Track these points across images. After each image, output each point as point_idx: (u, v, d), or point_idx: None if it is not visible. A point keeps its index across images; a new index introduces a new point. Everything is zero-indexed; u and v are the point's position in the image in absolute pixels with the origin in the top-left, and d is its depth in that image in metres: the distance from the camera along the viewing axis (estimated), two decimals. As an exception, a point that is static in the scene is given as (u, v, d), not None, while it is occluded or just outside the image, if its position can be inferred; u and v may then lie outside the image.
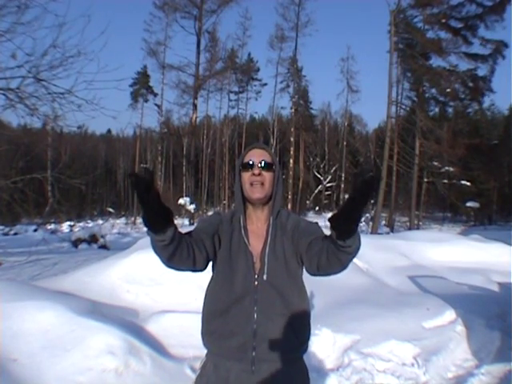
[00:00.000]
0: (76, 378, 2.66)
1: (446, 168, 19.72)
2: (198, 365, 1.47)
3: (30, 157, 9.39)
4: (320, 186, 35.61)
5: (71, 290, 4.25)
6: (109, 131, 51.39)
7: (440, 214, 30.89)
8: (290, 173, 25.67)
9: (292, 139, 25.71)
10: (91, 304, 3.75)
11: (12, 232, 17.52)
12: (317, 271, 1.29)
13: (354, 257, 1.18)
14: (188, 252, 1.26)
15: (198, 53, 19.47)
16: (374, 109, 63.78)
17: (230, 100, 34.69)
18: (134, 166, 32.32)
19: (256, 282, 1.38)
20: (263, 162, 1.43)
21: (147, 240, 1.21)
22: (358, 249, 1.16)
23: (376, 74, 64.97)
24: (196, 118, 20.43)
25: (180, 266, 1.28)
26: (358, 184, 0.99)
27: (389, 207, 21.39)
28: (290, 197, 25.48)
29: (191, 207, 17.33)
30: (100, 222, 24.90)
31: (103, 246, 11.59)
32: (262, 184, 1.42)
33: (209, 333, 1.42)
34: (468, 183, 21.69)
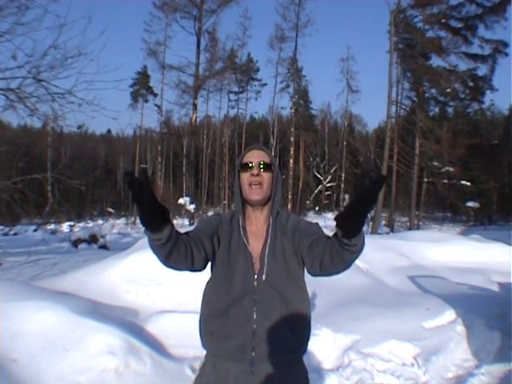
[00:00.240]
0: (76, 378, 2.66)
1: (446, 168, 19.72)
2: (197, 365, 1.48)
3: (30, 157, 9.40)
4: (320, 186, 35.60)
5: (71, 290, 4.25)
6: (109, 131, 51.43)
7: (440, 214, 30.88)
8: (290, 173, 25.67)
9: (292, 139, 25.71)
10: (91, 304, 3.75)
11: (12, 232, 17.51)
12: (319, 271, 1.29)
13: (357, 256, 1.18)
14: (186, 251, 1.26)
15: (198, 53, 19.46)
16: (373, 109, 63.87)
17: (229, 100, 34.73)
18: (134, 167, 32.29)
19: (255, 283, 1.38)
20: (262, 163, 1.44)
21: (147, 240, 1.22)
22: (362, 248, 1.16)
23: (376, 74, 65.03)
24: (196, 118, 20.42)
25: (178, 265, 1.28)
26: (367, 183, 0.99)
27: (389, 207, 21.39)
28: (289, 197, 25.47)
29: (191, 207, 17.33)
30: (100, 222, 24.90)
31: (103, 246, 11.59)
32: (261, 185, 1.43)
33: (208, 333, 1.41)
34: (468, 183, 21.68)
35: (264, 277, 1.38)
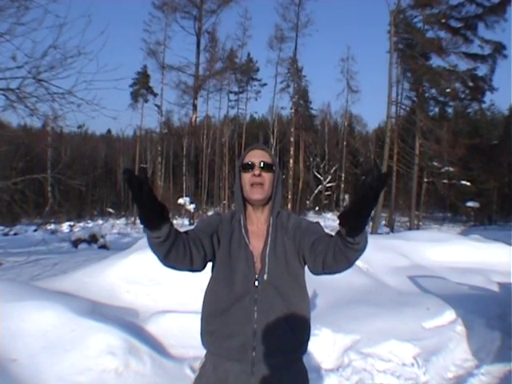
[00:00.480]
0: (76, 378, 2.66)
1: (446, 168, 19.74)
2: (197, 365, 1.47)
3: (29, 157, 9.41)
4: (320, 186, 35.60)
5: (71, 290, 4.25)
6: (109, 131, 51.40)
7: (440, 214, 30.87)
8: (290, 173, 25.67)
9: (292, 139, 25.71)
10: (91, 304, 3.75)
11: (12, 232, 17.50)
12: (322, 270, 1.29)
13: (361, 254, 1.18)
14: (185, 250, 1.26)
15: (198, 53, 19.49)
16: (373, 109, 63.85)
17: (229, 100, 34.72)
18: (133, 167, 32.26)
19: (256, 282, 1.37)
20: (263, 163, 1.44)
21: (146, 239, 1.22)
22: (365, 246, 1.16)
23: (376, 74, 65.00)
24: (196, 118, 20.45)
25: (177, 264, 1.28)
26: (370, 181, 0.99)
27: (389, 207, 21.39)
28: (289, 197, 25.48)
29: (191, 207, 17.34)
30: (100, 222, 24.87)
31: (103, 246, 11.58)
32: (262, 185, 1.42)
33: (208, 333, 1.41)
34: (468, 183, 21.71)
35: (265, 276, 1.37)
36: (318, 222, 1.50)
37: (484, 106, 26.19)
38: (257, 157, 1.45)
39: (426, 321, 4.12)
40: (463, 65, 18.10)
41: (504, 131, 28.50)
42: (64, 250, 9.98)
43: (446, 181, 20.77)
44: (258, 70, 35.18)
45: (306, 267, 1.41)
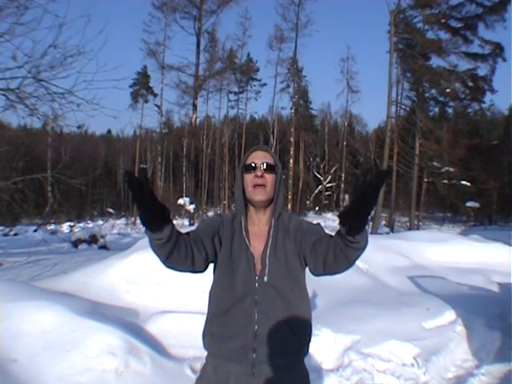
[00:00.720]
0: (76, 378, 2.66)
1: (446, 168, 19.74)
2: (198, 365, 1.48)
3: (29, 157, 9.40)
4: (320, 187, 35.59)
5: (71, 290, 4.25)
6: (109, 131, 51.43)
7: (440, 214, 30.87)
8: (290, 173, 25.67)
9: (292, 139, 25.71)
10: (91, 304, 3.75)
11: (12, 232, 17.51)
12: (323, 271, 1.28)
13: (361, 253, 1.17)
14: (186, 251, 1.25)
15: (198, 53, 19.48)
16: (374, 109, 63.85)
17: (229, 100, 34.74)
18: (133, 167, 32.28)
19: (257, 284, 1.37)
20: (265, 164, 1.43)
21: (147, 240, 1.22)
22: (365, 245, 1.16)
23: (376, 74, 64.98)
24: (196, 118, 20.44)
25: (179, 265, 1.28)
26: (369, 178, 0.99)
27: (389, 207, 21.40)
28: (290, 197, 25.48)
29: (191, 207, 17.34)
30: (100, 222, 24.86)
31: (103, 247, 11.58)
32: (265, 186, 1.42)
33: (209, 334, 1.41)
34: (468, 183, 21.71)
35: (266, 278, 1.37)
36: (318, 224, 1.49)
37: (484, 106, 26.21)
38: (259, 158, 1.45)
39: (426, 321, 4.11)
40: (463, 65, 18.14)
41: (504, 131, 28.50)
42: (64, 251, 9.98)
43: (446, 181, 20.78)
44: (257, 70, 35.22)
45: (307, 269, 1.41)
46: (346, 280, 4.97)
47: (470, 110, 25.36)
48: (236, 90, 34.60)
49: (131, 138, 44.17)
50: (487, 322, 4.12)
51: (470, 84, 18.37)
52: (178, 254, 1.23)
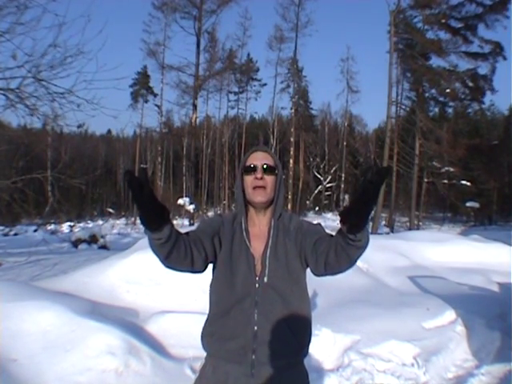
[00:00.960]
0: (76, 378, 2.66)
1: (446, 168, 19.74)
2: (197, 365, 1.48)
3: (29, 157, 9.41)
4: (320, 187, 35.60)
5: (71, 290, 4.25)
6: (109, 131, 51.43)
7: (440, 214, 30.87)
8: (290, 173, 25.66)
9: (292, 139, 25.70)
10: (91, 304, 3.75)
11: (12, 232, 17.51)
12: (324, 270, 1.28)
13: (363, 252, 1.17)
14: (186, 252, 1.25)
15: (198, 53, 19.50)
16: (374, 109, 63.90)
17: (229, 100, 34.75)
18: (134, 167, 32.27)
19: (257, 285, 1.37)
20: (266, 166, 1.43)
21: (147, 240, 1.22)
22: (367, 243, 1.15)
23: (376, 74, 65.02)
24: (196, 118, 20.46)
25: (178, 266, 1.27)
26: (370, 176, 0.98)
27: (389, 207, 21.40)
28: (289, 197, 25.48)
29: (191, 207, 17.34)
30: (100, 222, 24.87)
31: (103, 247, 11.58)
32: (265, 188, 1.41)
33: (209, 334, 1.41)
34: (468, 183, 21.70)
35: (266, 279, 1.37)
36: (319, 223, 1.49)
37: (484, 106, 26.21)
38: (259, 159, 1.44)
39: (426, 321, 4.11)
40: (463, 65, 18.14)
41: (504, 131, 28.48)
42: (64, 251, 9.98)
43: (446, 181, 20.78)
44: (257, 70, 35.23)
45: (308, 269, 1.40)
46: (346, 280, 4.97)
47: (470, 110, 25.41)
48: (236, 90, 34.65)
49: (131, 137, 44.20)
50: (487, 322, 4.12)
51: (470, 84, 18.37)
52: (178, 254, 1.23)
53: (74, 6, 5.81)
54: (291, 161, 25.74)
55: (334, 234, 1.26)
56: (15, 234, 17.08)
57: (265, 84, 34.70)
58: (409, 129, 20.16)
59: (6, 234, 17.18)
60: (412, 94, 22.56)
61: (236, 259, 1.40)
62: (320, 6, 63.40)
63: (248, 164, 1.44)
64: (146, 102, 34.24)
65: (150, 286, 4.41)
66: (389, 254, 7.04)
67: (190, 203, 17.38)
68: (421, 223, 23.33)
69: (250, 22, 36.82)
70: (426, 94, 21.10)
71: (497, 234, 12.27)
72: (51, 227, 15.53)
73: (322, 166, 35.68)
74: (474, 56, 17.58)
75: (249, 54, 34.50)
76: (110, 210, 32.47)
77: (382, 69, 55.71)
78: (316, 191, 35.35)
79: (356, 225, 1.08)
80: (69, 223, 18.06)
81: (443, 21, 17.48)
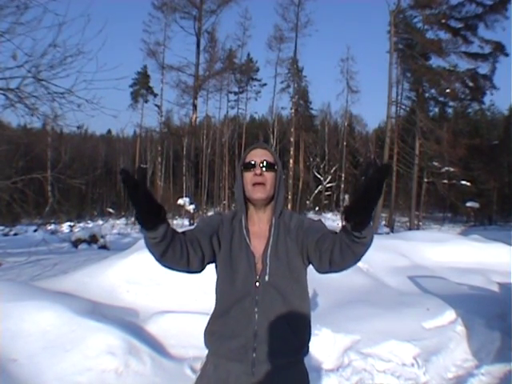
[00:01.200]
0: (76, 378, 2.66)
1: (446, 168, 19.75)
2: (198, 365, 1.48)
3: (29, 157, 9.39)
4: (320, 187, 35.60)
5: (71, 290, 4.25)
6: (109, 131, 51.45)
7: (440, 215, 30.88)
8: (290, 173, 25.66)
9: (292, 139, 25.69)
10: (91, 304, 3.75)
11: (12, 232, 17.52)
12: (328, 268, 1.27)
13: (368, 248, 1.17)
14: (181, 251, 1.25)
15: (198, 53, 19.49)
16: (374, 109, 63.85)
17: (229, 100, 34.73)
18: (134, 167, 32.26)
19: (257, 283, 1.36)
20: (265, 162, 1.42)
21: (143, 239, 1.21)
22: (371, 240, 1.15)
23: (376, 74, 65.01)
24: (196, 118, 20.45)
25: (174, 265, 1.27)
26: (372, 172, 0.99)
27: (389, 207, 21.39)
28: (290, 197, 25.47)
29: (191, 207, 17.34)
30: (100, 222, 24.88)
31: (103, 247, 11.58)
32: (264, 184, 1.41)
33: (210, 333, 1.41)
34: (468, 183, 21.71)
35: (267, 277, 1.36)
36: (320, 220, 1.48)
37: (484, 106, 26.23)
38: (258, 156, 1.44)
39: (426, 321, 4.11)
40: (463, 65, 18.15)
41: (504, 131, 28.50)
42: (64, 251, 9.98)
43: (446, 181, 20.78)
44: (257, 70, 35.23)
45: (311, 267, 1.39)
46: (345, 280, 4.97)
47: (470, 110, 25.40)
48: (236, 90, 34.62)
49: (131, 137, 44.21)
50: (487, 322, 4.12)
51: (470, 84, 18.38)
52: (173, 254, 1.23)
53: (74, 5, 5.80)
54: (291, 161, 25.73)
55: (336, 230, 1.26)
56: (15, 234, 17.09)
57: (265, 84, 34.76)
58: (409, 129, 20.17)
59: (6, 234, 17.19)
60: (412, 94, 22.58)
61: (236, 258, 1.40)
62: (320, 5, 63.31)
63: (247, 161, 1.44)
64: (146, 101, 34.30)
65: (150, 286, 4.40)
66: (389, 254, 7.04)
67: (190, 203, 17.38)
68: (421, 223, 23.33)
69: (250, 21, 36.77)
70: (426, 94, 21.11)
71: (497, 234, 12.27)
72: (51, 227, 15.52)
73: (322, 166, 35.67)
74: (474, 56, 17.58)
75: (249, 54, 34.54)
76: (110, 210, 32.46)
77: (382, 69, 55.79)
78: (316, 191, 35.35)
79: (361, 222, 1.07)
80: (69, 223, 18.07)
81: (443, 21, 17.49)
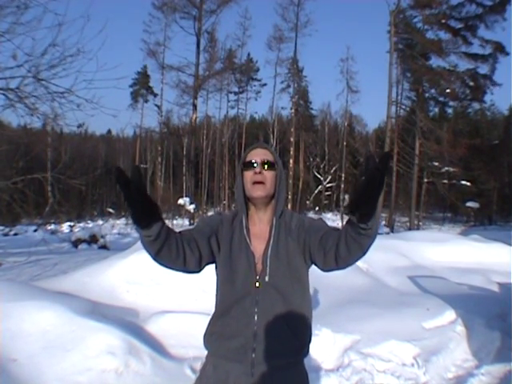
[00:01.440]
0: (76, 378, 2.66)
1: (446, 168, 19.75)
2: (197, 365, 1.48)
3: (29, 157, 9.40)
4: (320, 187, 35.60)
5: (71, 290, 4.25)
6: (109, 131, 51.43)
7: (440, 215, 30.87)
8: (290, 173, 25.64)
9: (292, 139, 25.67)
10: (91, 304, 3.75)
11: (12, 232, 17.54)
12: (335, 265, 1.26)
13: (374, 240, 1.16)
14: (177, 251, 1.24)
15: (198, 53, 19.48)
16: (374, 109, 63.83)
17: (229, 100, 34.71)
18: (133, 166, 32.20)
19: (257, 284, 1.36)
20: (265, 161, 1.42)
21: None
22: (377, 231, 1.15)
23: (376, 74, 65.01)
24: (196, 118, 20.44)
25: (170, 264, 1.27)
26: (373, 163, 0.99)
27: (389, 207, 21.37)
28: (290, 197, 25.46)
29: (191, 207, 17.33)
30: (100, 222, 24.87)
31: (103, 247, 11.59)
32: (264, 184, 1.41)
33: (210, 333, 1.41)
34: (468, 183, 21.71)
35: (267, 278, 1.36)
36: (320, 219, 1.48)
37: (484, 106, 26.23)
38: (258, 155, 1.44)
39: (426, 321, 4.11)
40: (463, 65, 18.16)
41: (504, 131, 28.48)
42: (64, 251, 9.98)
43: (446, 181, 20.78)
44: (257, 70, 35.20)
45: (314, 266, 1.39)
46: (346, 280, 4.98)
47: (470, 109, 25.40)
48: (236, 89, 34.59)
49: (131, 137, 44.20)
50: (487, 322, 4.12)
51: (471, 84, 18.39)
52: (169, 253, 1.22)
53: (74, 5, 5.80)
54: (291, 161, 25.71)
55: (338, 227, 1.25)
56: (15, 234, 17.11)
57: (265, 84, 34.72)
58: (409, 129, 20.17)
59: (6, 234, 17.20)
60: (412, 94, 22.57)
61: (236, 258, 1.39)
62: (320, 5, 63.17)
63: (247, 160, 1.44)
64: (146, 101, 34.31)
65: (150, 286, 4.40)
66: (389, 254, 7.04)
67: (190, 203, 17.37)
68: (421, 223, 23.33)
69: (250, 21, 36.69)
70: (426, 94, 21.12)
71: (497, 234, 12.28)
72: (51, 227, 15.54)
73: (322, 166, 35.67)
74: (474, 57, 17.59)
75: (249, 54, 34.52)
76: (110, 210, 32.45)
77: (382, 69, 55.77)
78: (316, 191, 35.36)
79: (366, 213, 1.07)
80: (69, 223, 18.08)
81: (443, 21, 17.50)
